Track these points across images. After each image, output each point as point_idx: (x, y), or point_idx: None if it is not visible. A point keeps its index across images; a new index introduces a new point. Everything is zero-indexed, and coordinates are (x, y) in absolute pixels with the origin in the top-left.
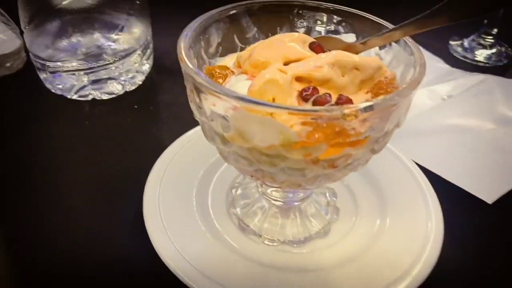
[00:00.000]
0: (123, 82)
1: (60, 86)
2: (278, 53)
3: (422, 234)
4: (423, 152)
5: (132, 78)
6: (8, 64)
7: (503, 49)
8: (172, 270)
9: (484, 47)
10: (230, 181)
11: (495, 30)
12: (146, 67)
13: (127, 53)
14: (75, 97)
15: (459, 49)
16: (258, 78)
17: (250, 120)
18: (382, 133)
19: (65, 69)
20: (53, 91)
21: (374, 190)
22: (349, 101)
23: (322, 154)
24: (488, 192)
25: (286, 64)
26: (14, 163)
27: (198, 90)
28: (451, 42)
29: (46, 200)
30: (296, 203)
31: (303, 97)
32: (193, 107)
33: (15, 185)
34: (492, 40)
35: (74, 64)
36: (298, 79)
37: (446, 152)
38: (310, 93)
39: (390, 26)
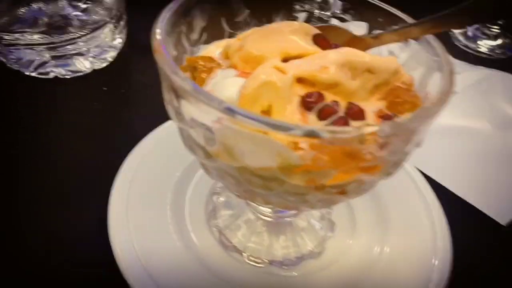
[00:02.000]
0: (91, 59)
1: (17, 61)
2: (276, 46)
3: (427, 257)
4: (428, 159)
5: (101, 54)
6: None
7: (507, 40)
8: None
9: (489, 37)
10: (211, 184)
11: (502, 20)
12: (118, 41)
13: (97, 26)
14: (34, 74)
15: (461, 38)
16: (251, 78)
17: (240, 137)
18: (402, 156)
19: (23, 42)
20: (8, 65)
21: (373, 201)
22: (360, 113)
23: (328, 180)
24: (501, 212)
25: (284, 60)
26: None
27: (176, 93)
28: (454, 30)
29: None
30: (287, 219)
31: (305, 104)
32: (169, 110)
33: None
34: (498, 31)
35: (35, 38)
36: (300, 80)
37: (453, 159)
38: (314, 100)
39: (408, 19)
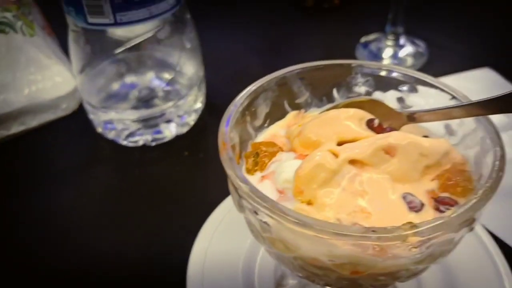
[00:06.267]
0: (175, 124)
1: (112, 131)
2: (331, 131)
3: None
4: (502, 222)
5: (185, 118)
6: (64, 106)
7: None
8: None
9: None
10: None
11: None
12: (199, 106)
13: (182, 95)
14: (125, 142)
15: None
16: (307, 161)
17: (292, 233)
18: (447, 247)
19: (116, 118)
20: (104, 136)
21: (440, 267)
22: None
23: (377, 269)
24: None
25: (340, 144)
26: (59, 210)
27: (237, 190)
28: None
29: (89, 252)
30: None
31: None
32: (233, 199)
33: (56, 231)
34: None
35: (126, 114)
36: (352, 162)
37: None
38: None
39: (463, 98)
